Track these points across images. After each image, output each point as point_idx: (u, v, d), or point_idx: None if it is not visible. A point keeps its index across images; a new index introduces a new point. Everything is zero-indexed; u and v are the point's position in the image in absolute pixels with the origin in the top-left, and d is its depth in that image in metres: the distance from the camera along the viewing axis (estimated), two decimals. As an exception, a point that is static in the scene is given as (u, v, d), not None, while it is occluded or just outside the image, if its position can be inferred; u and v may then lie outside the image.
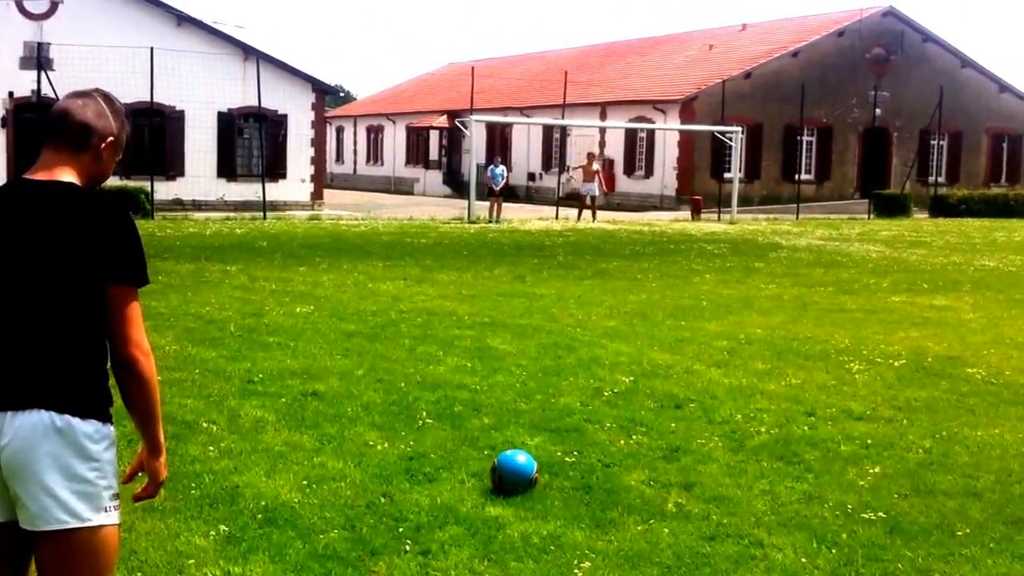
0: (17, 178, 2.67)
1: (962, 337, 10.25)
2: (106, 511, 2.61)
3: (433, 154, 50.08)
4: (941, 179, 40.65)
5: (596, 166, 30.10)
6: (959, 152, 42.78)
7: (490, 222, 26.78)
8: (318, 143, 33.76)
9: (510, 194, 39.56)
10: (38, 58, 26.43)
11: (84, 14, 29.17)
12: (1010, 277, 16.22)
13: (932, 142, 40.28)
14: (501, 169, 28.85)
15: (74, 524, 2.55)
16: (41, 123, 2.70)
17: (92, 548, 2.59)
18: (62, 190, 2.61)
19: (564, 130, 39.87)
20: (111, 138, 2.72)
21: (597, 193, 29.37)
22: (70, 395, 2.56)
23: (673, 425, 6.62)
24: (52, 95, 25.50)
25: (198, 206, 29.72)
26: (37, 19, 29.20)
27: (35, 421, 2.51)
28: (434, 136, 49.57)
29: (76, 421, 2.55)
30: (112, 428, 2.67)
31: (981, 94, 42.70)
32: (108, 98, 2.76)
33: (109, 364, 2.69)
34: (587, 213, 28.72)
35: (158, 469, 2.77)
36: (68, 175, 2.65)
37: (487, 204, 27.87)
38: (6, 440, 2.51)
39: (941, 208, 35.52)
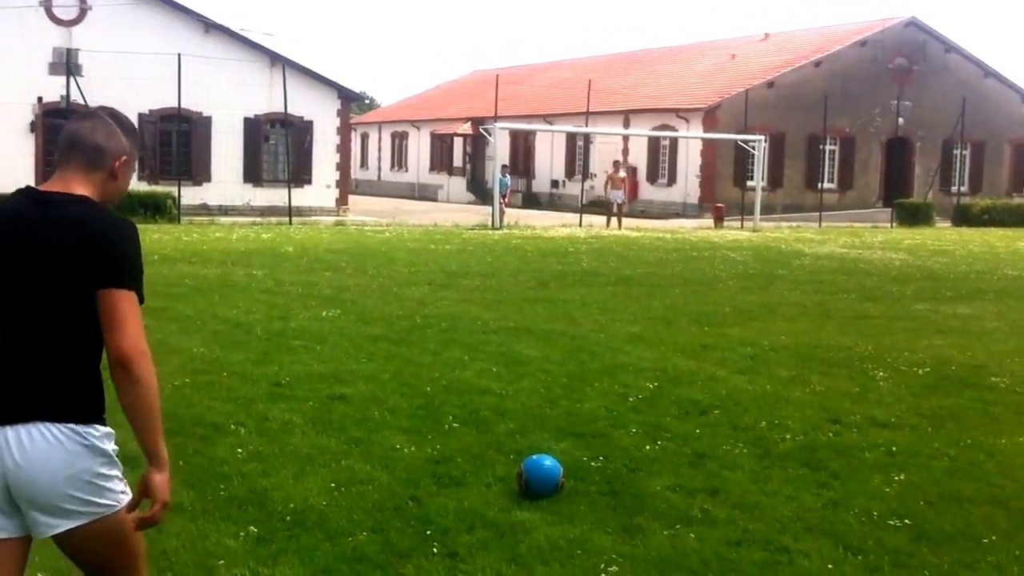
0: (28, 188, 2.73)
1: (986, 346, 10.21)
2: (123, 493, 2.69)
3: (457, 161, 50.21)
4: (964, 188, 40.42)
5: (622, 173, 30.22)
6: (982, 162, 42.53)
7: (499, 227, 27.06)
8: (343, 149, 33.94)
9: (533, 201, 39.58)
10: (67, 64, 26.70)
11: (113, 20, 29.46)
12: (1035, 287, 16.12)
13: (955, 152, 40.05)
14: (508, 178, 30.47)
15: (102, 511, 2.63)
16: (59, 144, 2.76)
17: (120, 528, 2.68)
18: (71, 199, 2.65)
19: (587, 138, 39.91)
20: (124, 156, 2.76)
21: (622, 200, 29.48)
22: (73, 402, 2.60)
23: (698, 431, 6.63)
24: (81, 101, 25.74)
25: (224, 211, 29.93)
26: (66, 25, 29.52)
27: (43, 434, 2.56)
28: (458, 143, 49.70)
29: (81, 428, 2.60)
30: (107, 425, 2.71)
31: (1003, 104, 42.47)
32: (116, 117, 2.79)
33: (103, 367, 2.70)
34: (614, 220, 28.82)
35: (160, 485, 2.62)
36: (81, 190, 2.69)
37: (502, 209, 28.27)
38: (16, 457, 2.55)
39: (964, 217, 35.31)
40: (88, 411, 2.62)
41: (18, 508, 2.60)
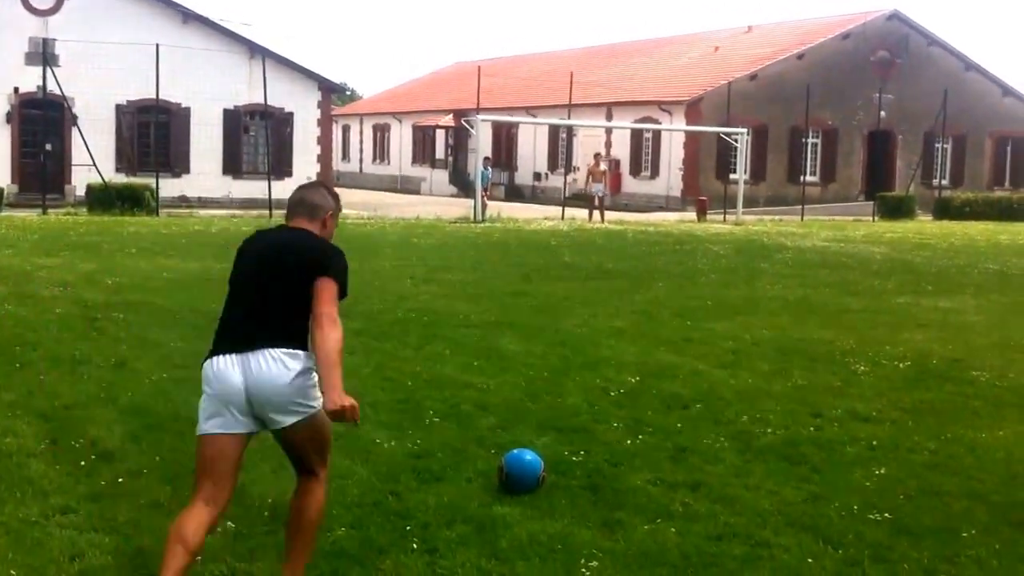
0: (281, 226, 4.11)
1: (966, 340, 10.25)
2: (318, 398, 3.80)
3: (439, 153, 50.08)
4: (945, 182, 40.60)
5: (603, 166, 30.20)
6: (963, 155, 42.73)
7: (480, 220, 27.03)
8: (324, 141, 33.79)
9: (516, 194, 39.57)
10: (43, 54, 26.45)
11: (90, 10, 29.25)
12: (1014, 280, 16.21)
13: (936, 145, 40.21)
14: (489, 171, 30.74)
15: (311, 411, 3.83)
16: (291, 202, 4.13)
17: (323, 422, 3.87)
18: (304, 232, 4.04)
19: (570, 130, 39.88)
20: (330, 211, 4.13)
21: (604, 193, 29.48)
22: (290, 337, 3.81)
23: (679, 425, 6.63)
24: (57, 91, 25.53)
25: (203, 203, 29.78)
26: (42, 15, 29.27)
27: (273, 358, 3.76)
28: (440, 135, 49.56)
29: (295, 351, 3.79)
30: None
31: (985, 97, 42.63)
32: (325, 186, 4.25)
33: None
34: (596, 213, 28.80)
35: (343, 396, 3.66)
36: (311, 229, 4.05)
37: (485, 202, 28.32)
38: (255, 376, 3.75)
39: (945, 211, 35.47)
40: (299, 344, 3.81)
41: (253, 413, 3.79)
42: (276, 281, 3.89)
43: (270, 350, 3.76)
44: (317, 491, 4.02)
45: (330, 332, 3.72)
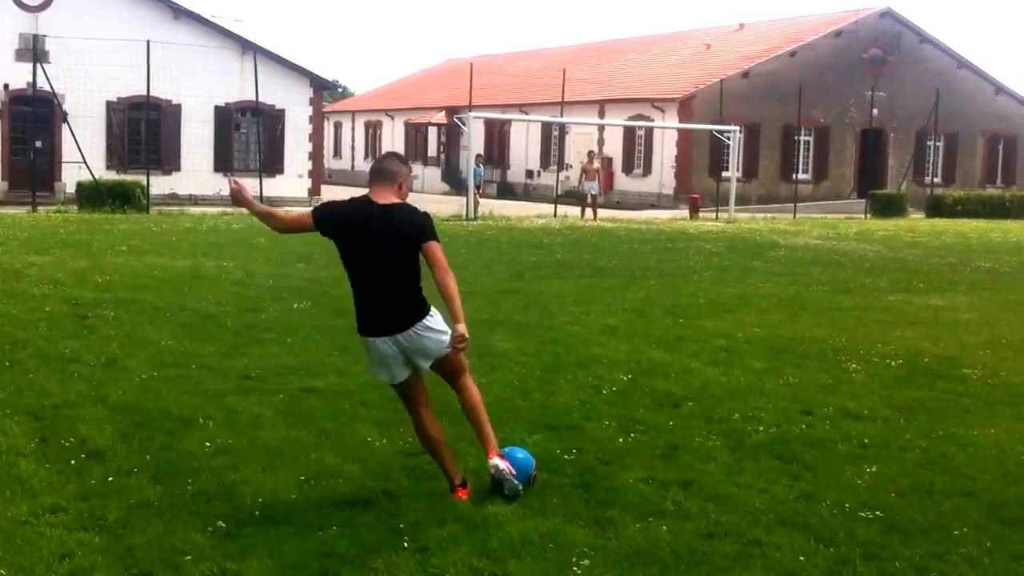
0: (367, 198, 5.07)
1: (958, 337, 10.26)
2: (447, 333, 5.07)
3: (432, 151, 50.01)
4: (937, 180, 40.65)
5: (596, 164, 30.19)
6: (955, 153, 42.79)
7: (473, 217, 26.99)
8: (316, 138, 33.73)
9: (509, 191, 39.52)
10: (34, 50, 26.35)
11: (80, 6, 29.13)
12: (1006, 278, 16.24)
13: (928, 143, 40.28)
14: (481, 168, 30.64)
15: (445, 348, 5.08)
16: (371, 172, 5.17)
17: (456, 352, 5.11)
18: (392, 205, 5.05)
19: (563, 128, 39.85)
20: (403, 179, 5.17)
21: (597, 191, 29.45)
22: (419, 311, 5.07)
23: (671, 423, 6.62)
24: (48, 87, 25.42)
25: (194, 201, 29.69)
26: (33, 11, 29.14)
27: (414, 328, 5.03)
28: (433, 132, 49.50)
29: (426, 320, 5.07)
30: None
31: (977, 96, 42.73)
32: (397, 156, 5.34)
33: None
34: (589, 211, 28.79)
35: (463, 329, 4.95)
36: (390, 198, 5.07)
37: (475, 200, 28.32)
38: (404, 340, 5.03)
39: (937, 209, 35.54)
40: (424, 310, 5.07)
41: (411, 362, 5.09)
42: (388, 257, 4.99)
43: (412, 328, 5.01)
44: (468, 385, 5.32)
45: (447, 277, 4.96)
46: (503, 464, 5.08)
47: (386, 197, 5.03)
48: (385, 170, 5.12)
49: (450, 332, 4.99)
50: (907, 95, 39.91)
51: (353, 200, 5.11)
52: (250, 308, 10.72)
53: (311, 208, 5.27)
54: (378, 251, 4.96)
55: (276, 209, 5.44)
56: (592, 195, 29.07)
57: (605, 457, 5.85)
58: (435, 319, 5.08)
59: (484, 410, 5.30)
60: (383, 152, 5.37)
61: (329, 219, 5.06)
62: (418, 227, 4.98)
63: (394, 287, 4.99)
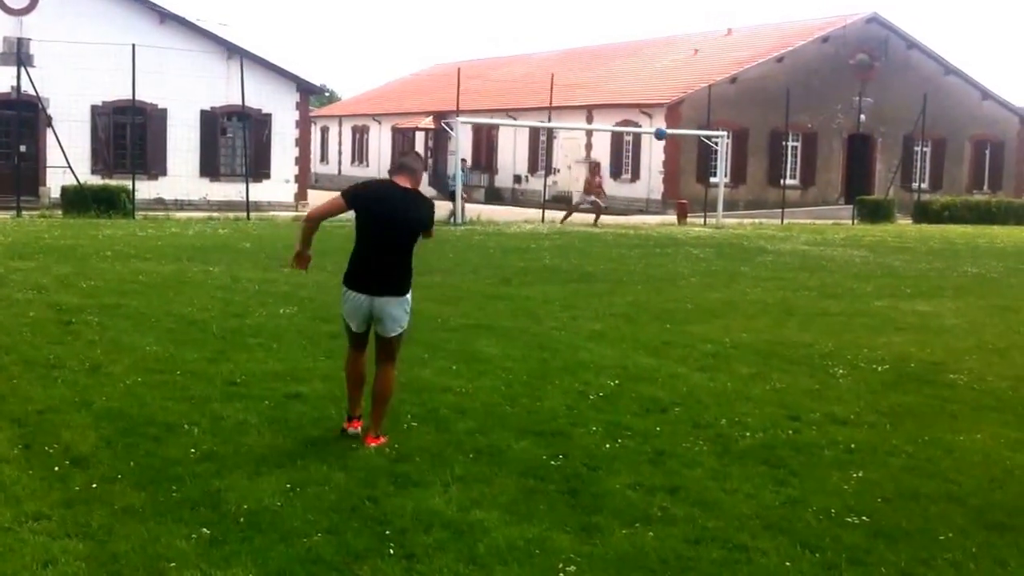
0: (393, 181, 6.19)
1: (945, 343, 10.29)
2: (403, 326, 6.21)
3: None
4: (924, 185, 40.74)
5: (599, 179, 30.52)
6: (942, 159, 42.97)
7: (459, 223, 26.99)
8: (302, 143, 33.65)
9: (496, 196, 39.51)
10: (18, 54, 26.17)
11: (65, 10, 28.99)
12: (992, 283, 16.30)
13: (916, 148, 40.37)
14: (465, 173, 30.69)
15: (398, 332, 6.19)
16: (398, 163, 6.44)
17: (400, 340, 6.28)
18: (411, 191, 6.21)
19: (550, 133, 39.87)
20: (419, 174, 6.37)
21: (604, 204, 29.77)
22: (405, 286, 6.19)
23: (658, 429, 6.62)
24: (32, 92, 25.30)
25: (180, 206, 29.57)
26: (17, 14, 29.00)
27: (392, 299, 6.14)
28: (420, 137, 49.47)
29: (405, 296, 6.19)
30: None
31: (964, 101, 42.93)
32: (417, 154, 6.76)
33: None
34: (583, 217, 28.99)
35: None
36: (409, 185, 6.20)
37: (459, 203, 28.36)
38: (379, 303, 6.10)
39: (924, 214, 35.64)
40: (405, 288, 6.18)
41: (369, 320, 6.18)
42: (399, 237, 6.11)
43: (390, 297, 6.09)
44: (389, 372, 6.20)
45: (430, 238, 6.34)
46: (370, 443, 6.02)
47: (407, 185, 6.16)
48: (410, 165, 6.35)
49: (408, 318, 6.21)
50: (894, 101, 40.06)
51: (379, 182, 6.33)
52: (236, 314, 10.68)
53: (339, 193, 6.23)
54: (396, 226, 6.07)
55: (307, 215, 6.61)
56: (593, 204, 29.39)
57: (592, 463, 5.84)
58: (406, 302, 6.16)
59: (388, 401, 6.23)
60: (406, 149, 6.56)
61: (361, 196, 6.13)
62: (428, 216, 6.22)
63: (394, 259, 6.11)
